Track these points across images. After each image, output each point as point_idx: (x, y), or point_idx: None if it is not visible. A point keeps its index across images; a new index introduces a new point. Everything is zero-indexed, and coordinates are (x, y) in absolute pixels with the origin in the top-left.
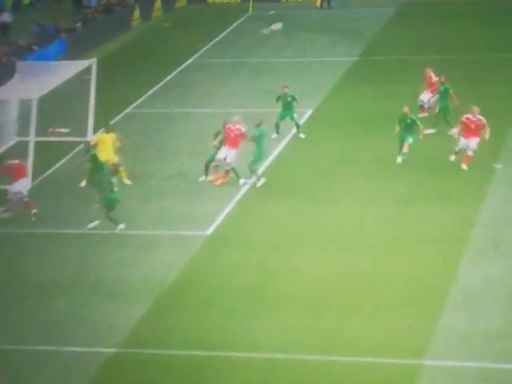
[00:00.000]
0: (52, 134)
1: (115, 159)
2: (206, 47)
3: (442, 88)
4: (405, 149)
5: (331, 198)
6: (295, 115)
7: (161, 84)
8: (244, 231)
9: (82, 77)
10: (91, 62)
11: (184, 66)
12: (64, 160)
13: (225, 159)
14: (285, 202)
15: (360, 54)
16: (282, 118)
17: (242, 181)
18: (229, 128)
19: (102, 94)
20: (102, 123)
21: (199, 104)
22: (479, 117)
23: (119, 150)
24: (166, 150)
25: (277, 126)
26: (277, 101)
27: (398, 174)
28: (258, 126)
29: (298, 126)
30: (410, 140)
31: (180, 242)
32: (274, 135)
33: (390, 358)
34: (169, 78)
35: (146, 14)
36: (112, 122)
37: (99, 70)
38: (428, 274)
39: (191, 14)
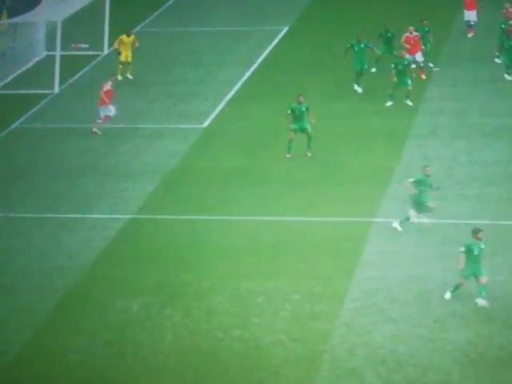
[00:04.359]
0: (74, 48)
1: (130, 57)
2: None
3: None
4: None
5: None
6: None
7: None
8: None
9: (97, 2)
10: None
11: None
12: (85, 69)
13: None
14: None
15: None
16: None
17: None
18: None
19: (112, 15)
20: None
21: None
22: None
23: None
24: (168, 60)
25: None
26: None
27: None
28: None
29: None
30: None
31: (180, 133)
32: None
33: (348, 218)
34: None
35: None
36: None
37: None
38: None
39: None
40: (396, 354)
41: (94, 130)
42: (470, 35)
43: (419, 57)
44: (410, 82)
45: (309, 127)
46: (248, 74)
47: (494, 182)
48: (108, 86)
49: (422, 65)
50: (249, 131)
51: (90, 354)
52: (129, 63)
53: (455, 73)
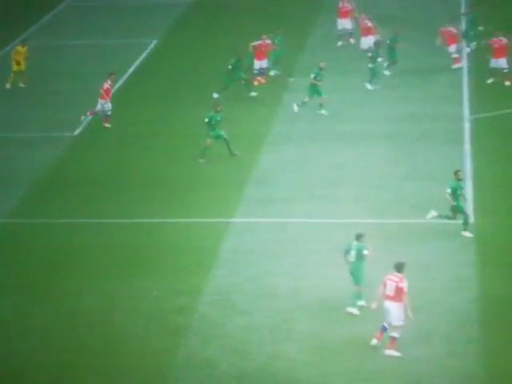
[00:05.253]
0: None
1: (24, 66)
2: None
3: None
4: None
5: None
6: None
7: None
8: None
9: None
10: None
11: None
12: None
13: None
14: None
15: None
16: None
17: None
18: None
19: None
20: None
21: None
22: None
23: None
24: (45, 71)
25: None
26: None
27: None
28: None
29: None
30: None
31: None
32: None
33: (208, 218)
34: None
35: None
36: None
37: None
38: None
39: None
40: (246, 343)
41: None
42: (339, 43)
43: (265, 63)
44: (323, 93)
45: (223, 134)
46: (119, 84)
47: (341, 184)
48: (107, 84)
49: (262, 71)
50: (119, 138)
51: None
52: (22, 72)
53: None
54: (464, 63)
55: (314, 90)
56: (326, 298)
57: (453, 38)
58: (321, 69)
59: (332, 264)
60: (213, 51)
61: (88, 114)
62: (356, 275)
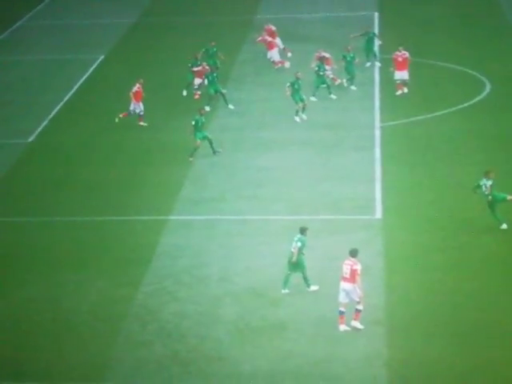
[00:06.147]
0: None
1: None
2: None
3: None
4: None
5: None
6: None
7: None
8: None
9: None
10: None
11: None
12: None
13: None
14: None
15: None
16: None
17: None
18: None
19: None
20: None
21: None
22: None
23: None
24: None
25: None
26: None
27: None
28: None
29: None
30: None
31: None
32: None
33: (148, 216)
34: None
35: None
36: None
37: None
38: None
39: None
40: (180, 327)
41: (120, 118)
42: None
43: (203, 81)
44: (304, 98)
45: (208, 135)
46: (68, 97)
47: (264, 184)
48: (136, 87)
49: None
50: (68, 145)
51: None
52: None
53: (238, 94)
54: (375, 77)
55: (297, 96)
56: (250, 285)
57: (328, 61)
58: (298, 78)
59: (256, 255)
60: (156, 65)
61: (121, 115)
62: (299, 264)
